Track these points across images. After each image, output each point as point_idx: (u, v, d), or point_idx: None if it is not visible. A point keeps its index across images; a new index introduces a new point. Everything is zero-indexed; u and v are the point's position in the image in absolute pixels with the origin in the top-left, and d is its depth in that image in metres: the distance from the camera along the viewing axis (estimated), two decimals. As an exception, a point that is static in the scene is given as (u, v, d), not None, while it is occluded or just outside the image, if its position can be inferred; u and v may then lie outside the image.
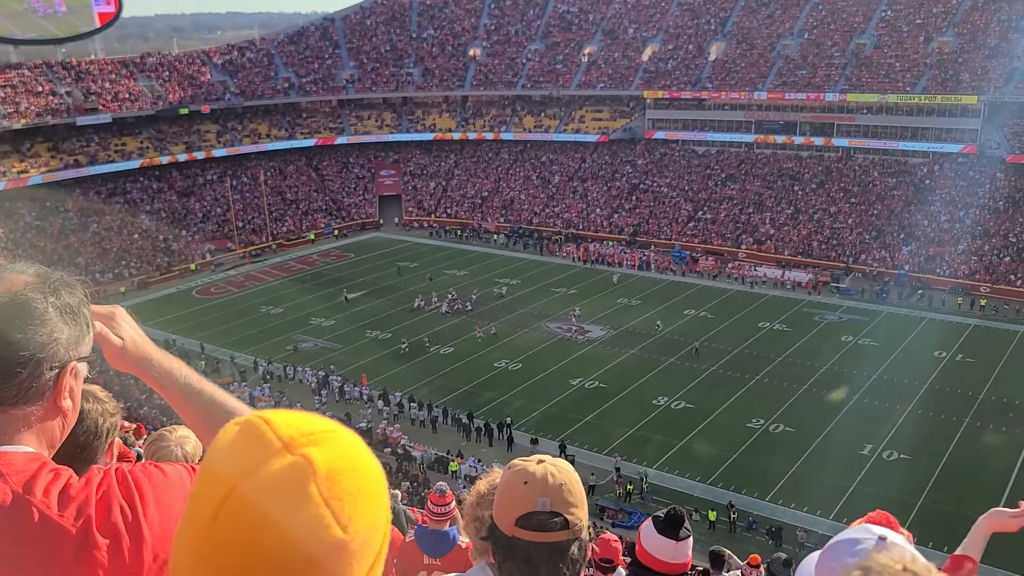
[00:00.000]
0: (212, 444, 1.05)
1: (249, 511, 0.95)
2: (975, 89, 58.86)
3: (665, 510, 3.30)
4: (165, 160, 67.02)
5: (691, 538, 3.26)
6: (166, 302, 52.98)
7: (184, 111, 69.65)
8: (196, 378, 1.80)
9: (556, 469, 1.97)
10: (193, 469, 1.69)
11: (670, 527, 3.21)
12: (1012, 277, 50.06)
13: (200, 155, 68.95)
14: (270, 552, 0.94)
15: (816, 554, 1.93)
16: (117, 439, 2.45)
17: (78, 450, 2.20)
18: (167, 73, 71.93)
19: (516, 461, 2.04)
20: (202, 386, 1.79)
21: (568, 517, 1.91)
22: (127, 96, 68.07)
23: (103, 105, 65.90)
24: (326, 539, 0.95)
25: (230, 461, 0.99)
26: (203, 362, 41.77)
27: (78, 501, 1.48)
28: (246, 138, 72.58)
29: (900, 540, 1.73)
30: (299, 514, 0.94)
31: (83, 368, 1.60)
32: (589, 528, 2.04)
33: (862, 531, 1.75)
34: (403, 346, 42.60)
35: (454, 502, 5.51)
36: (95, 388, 2.44)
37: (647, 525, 3.29)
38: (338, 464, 1.00)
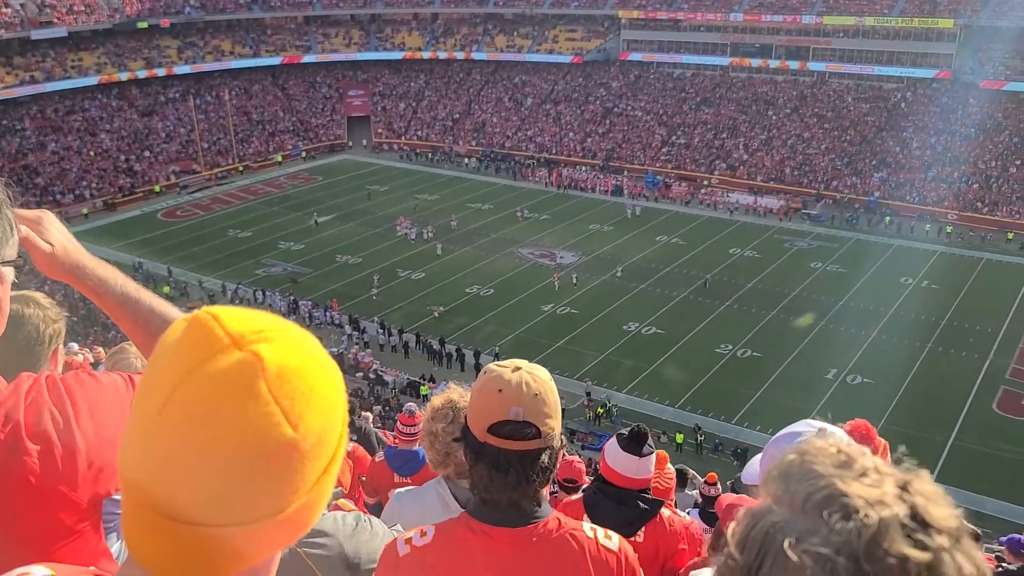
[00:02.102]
0: (160, 340, 1.01)
1: (195, 406, 0.92)
2: (952, 12, 58.32)
3: (629, 428, 3.35)
4: (124, 77, 64.73)
5: (654, 454, 3.34)
6: (131, 225, 51.97)
7: (143, 24, 66.96)
8: (133, 287, 1.75)
9: (531, 378, 1.93)
10: (131, 379, 1.65)
11: (633, 444, 3.30)
12: (979, 204, 50.58)
13: (161, 72, 66.69)
14: (216, 449, 0.92)
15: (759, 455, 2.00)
16: (61, 347, 2.42)
17: (18, 356, 2.19)
18: (124, -15, 68.88)
19: (492, 366, 2.00)
20: (140, 295, 1.74)
21: (541, 427, 1.90)
22: (83, 8, 65.26)
23: (58, 18, 63.14)
24: (275, 437, 0.93)
25: (176, 356, 0.96)
26: (168, 287, 41.25)
27: (5, 407, 1.47)
28: (209, 55, 70.19)
29: (840, 432, 1.83)
30: (247, 411, 0.92)
31: (8, 272, 1.52)
32: (562, 436, 2.02)
33: (803, 425, 1.84)
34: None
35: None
36: (37, 294, 2.41)
37: (611, 442, 3.37)
38: (289, 362, 0.96)
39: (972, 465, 26.72)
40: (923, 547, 0.77)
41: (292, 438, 0.93)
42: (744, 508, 0.87)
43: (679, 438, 28.36)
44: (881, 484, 0.83)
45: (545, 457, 1.93)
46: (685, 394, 31.37)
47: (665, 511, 3.33)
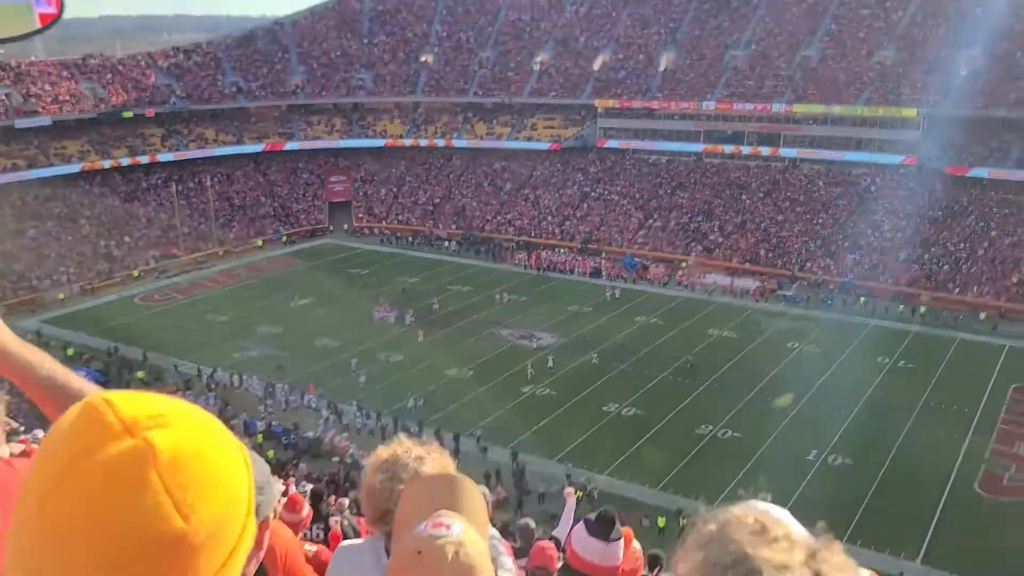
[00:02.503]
0: (52, 426, 0.97)
1: (78, 497, 0.87)
2: (915, 102, 60.52)
3: (596, 512, 3.25)
4: (107, 164, 65.43)
5: (622, 540, 3.22)
6: (108, 309, 51.62)
7: (128, 114, 68.10)
8: (61, 371, 1.64)
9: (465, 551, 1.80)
10: (8, 463, 1.60)
11: (601, 529, 3.16)
12: (951, 285, 51.46)
13: (144, 159, 67.46)
14: (99, 543, 0.86)
15: None
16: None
17: None
18: (110, 75, 70.32)
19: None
20: (68, 380, 1.63)
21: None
22: (68, 98, 66.35)
23: (43, 107, 64.14)
24: (164, 530, 0.87)
25: (64, 443, 0.92)
26: (142, 372, 40.75)
27: None
28: (192, 143, 71.24)
29: (773, 508, 1.70)
30: (134, 502, 0.87)
31: None
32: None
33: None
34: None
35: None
36: None
37: (579, 528, 3.26)
38: (185, 448, 0.92)
39: (957, 548, 26.43)
40: None
41: (181, 530, 0.88)
42: None
43: (661, 522, 27.92)
44: (790, 551, 0.85)
45: None
46: (666, 476, 31.03)
47: None
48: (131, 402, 0.95)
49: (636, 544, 5.17)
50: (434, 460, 2.40)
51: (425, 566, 1.39)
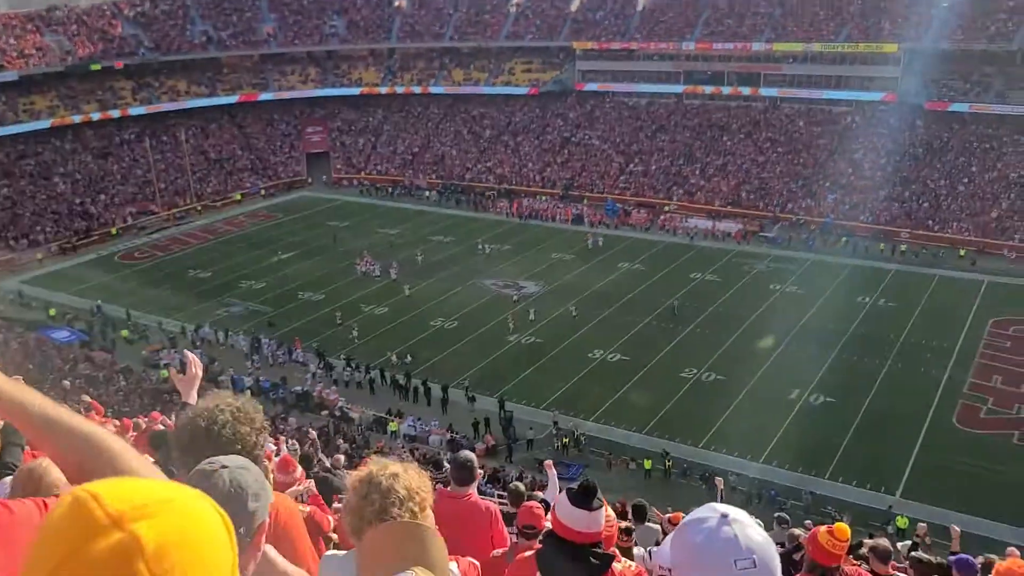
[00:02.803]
0: (46, 516, 1.03)
1: None
2: (895, 37, 60.08)
3: (578, 482, 3.39)
4: (78, 119, 64.06)
5: (604, 508, 3.39)
6: (88, 268, 51.16)
7: (96, 67, 66.45)
8: (52, 408, 1.69)
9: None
10: (45, 504, 1.62)
11: (583, 498, 3.33)
12: (930, 222, 51.80)
13: (116, 114, 66.11)
14: None
15: (670, 536, 1.99)
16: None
17: None
18: (75, 27, 68.37)
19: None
20: (60, 417, 1.68)
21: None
22: (34, 52, 64.59)
23: (8, 62, 62.40)
24: None
25: (55, 539, 0.97)
26: (126, 331, 40.58)
27: None
28: (164, 95, 69.78)
29: (743, 516, 1.78)
30: None
31: None
32: None
33: (707, 510, 1.79)
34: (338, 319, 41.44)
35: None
36: None
37: (561, 498, 3.41)
38: (170, 537, 0.98)
39: (936, 480, 27.12)
40: None
41: None
42: None
43: (647, 464, 28.42)
44: None
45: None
46: (652, 420, 31.48)
47: (617, 565, 3.37)
48: (116, 495, 0.99)
49: (610, 512, 5.35)
50: (410, 476, 2.45)
51: None
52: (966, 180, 54.00)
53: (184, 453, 2.43)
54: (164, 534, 0.98)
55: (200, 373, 3.55)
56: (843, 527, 5.42)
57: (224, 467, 2.09)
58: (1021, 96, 56.08)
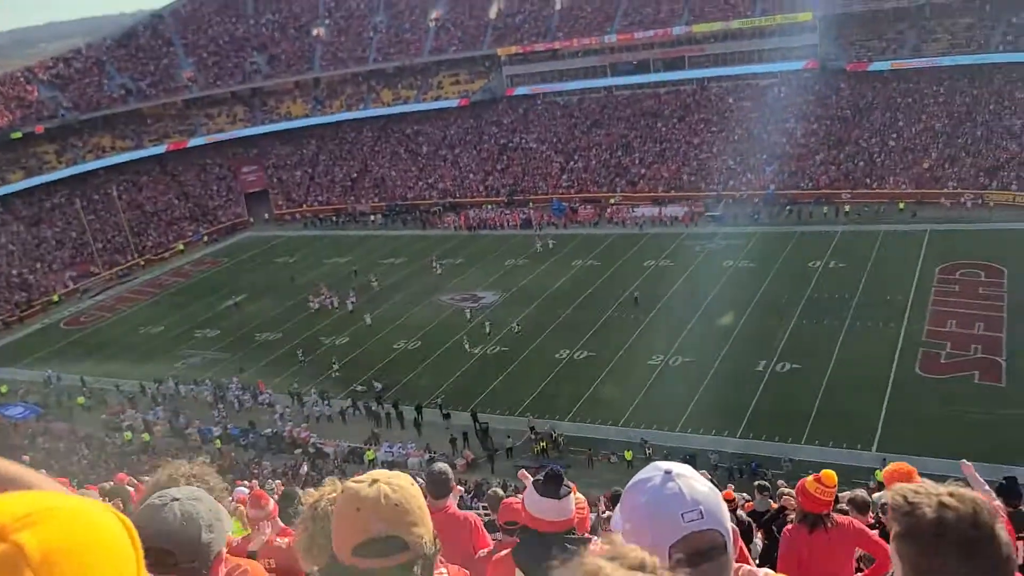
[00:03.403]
0: None
1: None
2: (809, 5, 61.33)
3: (543, 472, 3.36)
4: (4, 191, 62.40)
5: (572, 494, 3.37)
6: (34, 339, 49.76)
7: (16, 135, 64.84)
8: None
9: (390, 488, 1.84)
10: None
11: (550, 487, 3.30)
12: (868, 180, 52.95)
13: (42, 179, 64.50)
14: None
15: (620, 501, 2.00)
16: None
17: None
18: (-11, 97, 66.65)
19: (349, 483, 1.90)
20: None
21: (407, 538, 1.82)
22: (-51, 127, 62.78)
23: (-77, 141, 60.57)
24: None
25: None
26: (82, 399, 39.50)
27: None
28: (90, 154, 68.30)
29: (687, 470, 1.79)
30: None
31: None
32: (436, 539, 1.92)
33: (651, 469, 1.81)
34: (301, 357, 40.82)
35: None
36: None
37: (528, 490, 3.38)
38: (58, 544, 0.95)
39: (907, 429, 27.60)
40: None
41: None
42: None
43: (628, 455, 28.46)
44: None
45: (418, 569, 1.85)
46: (626, 411, 31.55)
47: (592, 547, 3.34)
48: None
49: (579, 495, 5.35)
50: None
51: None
52: (895, 136, 55.33)
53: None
54: (50, 541, 0.95)
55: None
56: (829, 473, 5.48)
57: (175, 499, 2.03)
58: (935, 48, 57.75)
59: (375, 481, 1.85)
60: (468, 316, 42.28)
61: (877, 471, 25.02)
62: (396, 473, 1.91)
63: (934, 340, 33.50)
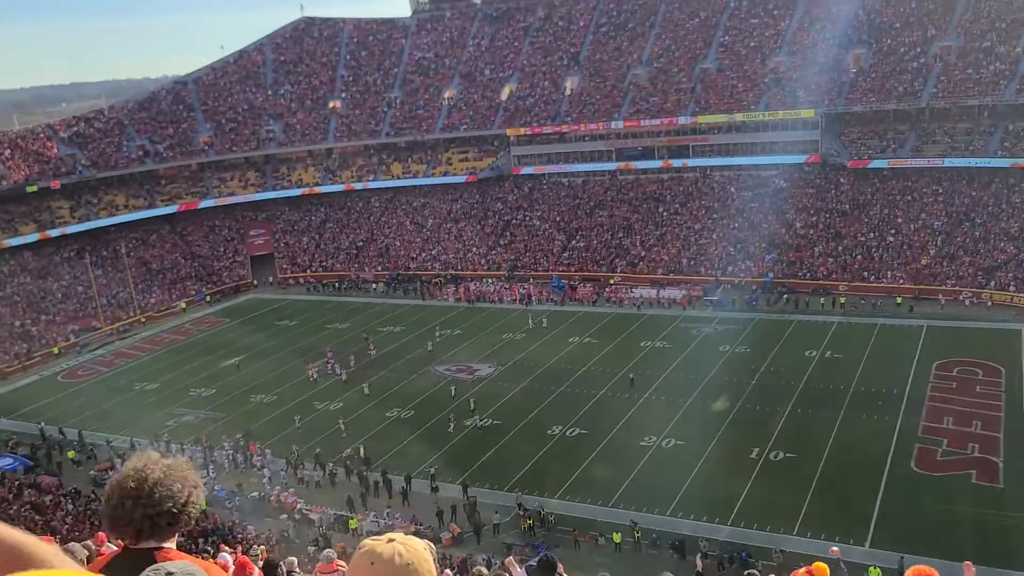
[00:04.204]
0: None
1: None
2: (811, 103, 63.08)
3: (537, 558, 3.37)
4: (15, 243, 63.19)
5: None
6: (30, 391, 49.68)
7: (32, 188, 66.02)
8: None
9: (404, 548, 2.01)
10: None
11: (544, 573, 3.29)
12: (866, 274, 53.53)
13: (54, 233, 65.39)
14: None
15: None
16: None
17: None
18: (9, 151, 68.08)
19: (366, 541, 2.08)
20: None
21: None
22: (-34, 178, 63.98)
23: (-61, 189, 61.68)
24: None
25: None
26: (72, 451, 39.26)
27: None
28: (103, 211, 69.38)
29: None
30: None
31: None
32: None
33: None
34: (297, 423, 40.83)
35: (341, 567, 5.47)
36: None
37: (520, 574, 3.37)
38: None
39: (902, 525, 27.31)
40: None
41: None
42: None
43: (617, 537, 28.09)
44: None
45: None
46: (617, 491, 31.28)
47: None
48: None
49: None
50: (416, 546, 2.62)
51: None
52: (893, 232, 56.15)
53: (113, 523, 2.34)
54: None
55: None
56: (822, 566, 5.49)
57: (170, 573, 2.10)
58: (934, 149, 59.07)
59: (391, 540, 2.05)
60: (452, 393, 41.60)
61: (871, 568, 24.72)
62: (412, 537, 2.10)
63: (930, 436, 33.36)
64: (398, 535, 2.08)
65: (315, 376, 46.34)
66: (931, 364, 40.30)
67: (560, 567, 3.42)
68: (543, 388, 41.55)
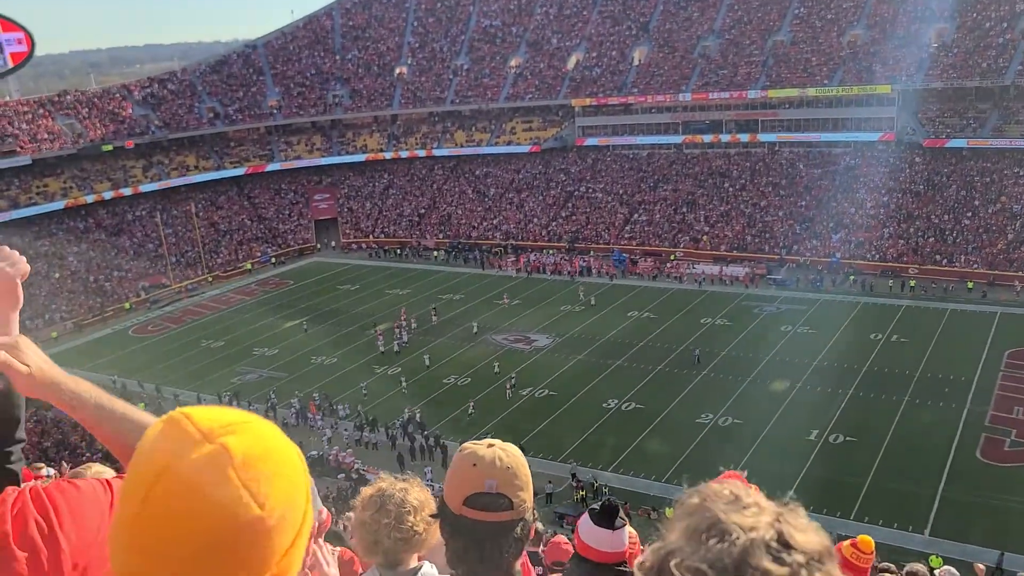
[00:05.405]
0: (141, 440, 1.16)
1: (175, 494, 1.07)
2: (888, 78, 60.97)
3: (600, 501, 3.37)
4: (91, 199, 65.31)
5: (627, 527, 3.38)
6: (102, 344, 51.56)
7: (107, 148, 67.98)
8: (107, 398, 1.84)
9: (505, 453, 2.08)
10: (108, 483, 1.75)
11: (605, 518, 3.30)
12: (938, 257, 51.88)
13: (127, 191, 67.37)
14: (195, 529, 1.07)
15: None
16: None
17: None
18: (86, 110, 70.18)
19: (467, 444, 2.15)
20: (113, 405, 1.83)
21: (513, 499, 2.04)
22: (46, 136, 66.19)
23: (21, 147, 63.95)
24: (245, 516, 1.08)
25: (156, 451, 1.12)
26: (142, 404, 40.63)
27: None
28: (174, 171, 71.18)
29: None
30: (219, 495, 1.07)
31: None
32: (533, 510, 2.16)
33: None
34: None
35: None
36: None
37: (584, 518, 3.38)
38: (254, 450, 1.12)
39: (964, 516, 26.69)
40: (782, 563, 0.95)
41: (259, 516, 1.09)
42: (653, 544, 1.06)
43: (669, 512, 27.52)
44: (758, 515, 1.03)
45: (518, 529, 2.07)
46: (671, 467, 31.18)
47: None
48: (205, 415, 1.16)
49: (631, 528, 5.37)
50: (418, 490, 2.64)
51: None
52: (970, 214, 54.21)
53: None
54: (249, 448, 1.12)
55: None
56: (867, 539, 5.41)
57: None
58: (1018, 130, 56.61)
59: (491, 445, 2.12)
60: (496, 369, 41.37)
61: (932, 557, 24.21)
62: (509, 444, 2.17)
63: (998, 426, 32.37)
64: (496, 441, 2.15)
65: (382, 340, 46.69)
66: (1003, 352, 38.98)
67: (624, 510, 3.39)
68: (600, 361, 41.48)
